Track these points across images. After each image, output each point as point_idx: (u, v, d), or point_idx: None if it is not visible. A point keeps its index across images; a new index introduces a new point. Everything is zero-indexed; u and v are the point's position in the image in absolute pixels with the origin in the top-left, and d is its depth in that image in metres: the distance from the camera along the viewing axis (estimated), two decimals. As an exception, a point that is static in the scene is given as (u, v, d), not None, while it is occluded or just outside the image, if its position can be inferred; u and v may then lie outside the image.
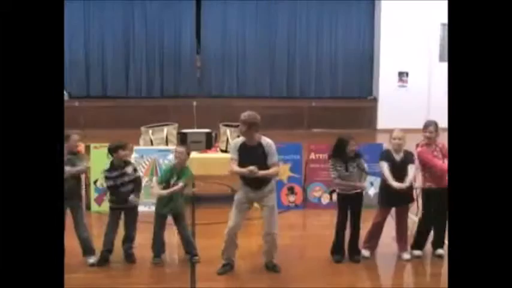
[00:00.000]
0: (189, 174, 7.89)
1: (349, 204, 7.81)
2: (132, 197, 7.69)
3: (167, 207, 7.77)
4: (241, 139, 7.39)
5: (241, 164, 7.21)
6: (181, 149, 7.96)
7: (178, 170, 7.79)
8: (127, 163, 7.90)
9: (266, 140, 7.32)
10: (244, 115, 7.22)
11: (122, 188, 7.74)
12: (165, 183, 7.78)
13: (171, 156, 9.40)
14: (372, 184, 10.03)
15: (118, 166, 7.77)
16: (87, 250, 7.87)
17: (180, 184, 7.67)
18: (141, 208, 9.81)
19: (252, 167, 7.06)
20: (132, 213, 7.91)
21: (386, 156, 7.87)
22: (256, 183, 7.28)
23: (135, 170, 7.93)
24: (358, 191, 7.86)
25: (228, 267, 7.49)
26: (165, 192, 7.68)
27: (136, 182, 7.86)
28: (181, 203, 7.86)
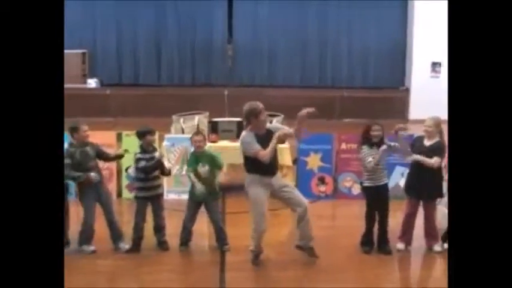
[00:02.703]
0: (214, 158, 7.95)
1: (377, 195, 7.78)
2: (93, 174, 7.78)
3: (200, 195, 7.80)
4: (249, 133, 7.31)
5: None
6: (197, 137, 8.04)
7: (200, 156, 7.86)
8: (155, 149, 8.07)
9: (272, 126, 7.44)
10: (248, 106, 7.26)
11: (150, 173, 7.86)
12: (194, 170, 7.83)
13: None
14: (402, 175, 9.95)
15: (147, 150, 7.92)
16: (117, 235, 8.00)
17: (206, 167, 7.76)
18: (171, 196, 9.95)
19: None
20: (158, 202, 8.00)
21: (416, 140, 7.96)
22: (272, 169, 7.29)
23: (162, 156, 8.13)
24: (385, 181, 7.84)
25: (258, 258, 7.50)
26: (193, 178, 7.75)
27: (162, 166, 8.01)
28: (214, 191, 7.89)
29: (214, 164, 7.87)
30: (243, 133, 7.41)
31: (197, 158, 7.86)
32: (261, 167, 7.20)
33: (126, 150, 8.34)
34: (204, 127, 11.09)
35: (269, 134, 7.20)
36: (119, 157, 8.50)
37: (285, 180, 7.45)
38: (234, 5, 21.20)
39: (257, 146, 7.14)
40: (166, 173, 8.17)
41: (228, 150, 9.82)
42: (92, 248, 7.90)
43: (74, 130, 7.83)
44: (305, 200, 7.44)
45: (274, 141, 7.11)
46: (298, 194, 7.45)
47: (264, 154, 7.11)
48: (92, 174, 7.71)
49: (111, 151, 8.75)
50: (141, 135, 7.99)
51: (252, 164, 7.24)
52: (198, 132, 8.73)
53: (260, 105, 7.22)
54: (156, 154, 7.95)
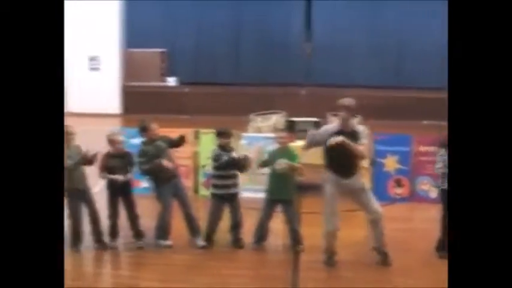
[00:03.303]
0: (295, 155, 7.94)
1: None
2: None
3: (279, 192, 7.84)
4: (334, 125, 7.31)
5: (335, 151, 7.10)
6: (283, 133, 8.08)
7: (283, 152, 7.86)
8: (232, 149, 8.17)
9: (361, 127, 7.30)
10: (346, 101, 7.17)
11: (223, 172, 7.97)
12: (271, 165, 7.87)
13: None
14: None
15: (224, 150, 8.01)
16: (194, 229, 8.14)
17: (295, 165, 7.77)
18: (246, 194, 10.02)
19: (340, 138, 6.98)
20: (234, 200, 8.09)
21: None
22: (349, 170, 7.21)
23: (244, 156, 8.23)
24: None
25: (331, 258, 7.48)
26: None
27: (241, 162, 8.08)
28: (292, 190, 7.91)
29: (293, 161, 7.87)
30: (328, 125, 7.59)
31: (279, 153, 7.89)
32: (338, 166, 7.17)
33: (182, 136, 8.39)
34: (281, 127, 11.12)
35: (354, 134, 7.14)
36: (181, 140, 8.50)
37: (361, 183, 7.34)
38: (313, 3, 21.09)
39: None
40: (246, 166, 8.23)
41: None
42: (168, 242, 8.07)
43: (144, 129, 8.04)
44: (379, 209, 7.36)
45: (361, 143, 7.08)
46: (373, 201, 7.36)
47: (336, 140, 6.96)
48: (164, 160, 7.86)
49: (188, 149, 8.86)
50: (218, 135, 8.13)
51: (330, 162, 7.21)
52: (283, 129, 8.80)
53: (350, 102, 7.17)
54: (234, 154, 8.04)
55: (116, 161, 7.96)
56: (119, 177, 7.91)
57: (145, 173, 8.04)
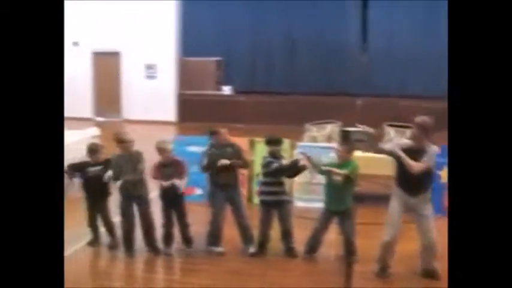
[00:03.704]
0: (353, 166, 7.84)
1: None
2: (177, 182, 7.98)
3: (336, 203, 7.77)
4: (407, 141, 7.23)
5: (403, 166, 7.05)
6: (342, 146, 7.95)
7: (342, 164, 7.79)
8: (282, 157, 8.16)
9: (432, 147, 7.13)
10: (420, 119, 7.06)
11: (271, 179, 7.96)
12: (328, 176, 7.81)
13: (332, 154, 9.40)
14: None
15: (275, 157, 8.01)
16: (247, 238, 8.16)
17: (343, 171, 7.67)
18: (299, 203, 9.98)
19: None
20: (284, 208, 8.04)
21: None
22: (414, 188, 7.09)
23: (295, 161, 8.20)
24: None
25: (384, 270, 7.37)
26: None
27: (291, 168, 8.05)
28: (349, 201, 7.82)
29: (352, 172, 7.78)
30: (402, 140, 7.55)
31: (337, 166, 7.82)
32: (406, 183, 7.08)
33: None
34: (336, 136, 11.05)
35: (420, 152, 7.03)
36: (246, 164, 8.60)
37: (428, 208, 7.20)
38: (369, 12, 20.94)
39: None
40: (296, 172, 8.20)
41: (359, 160, 9.69)
42: (219, 249, 8.08)
43: (214, 133, 8.13)
44: (433, 237, 7.20)
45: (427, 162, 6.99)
46: (430, 228, 7.18)
47: (415, 165, 6.94)
48: (223, 160, 7.90)
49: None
50: (269, 143, 8.14)
51: (400, 177, 7.13)
52: (343, 142, 8.75)
53: (424, 120, 7.06)
54: (283, 163, 8.01)
55: (167, 170, 8.00)
56: (171, 184, 7.94)
57: (205, 169, 8.08)
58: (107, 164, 8.25)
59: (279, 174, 7.94)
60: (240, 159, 8.16)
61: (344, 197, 7.75)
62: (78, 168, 8.53)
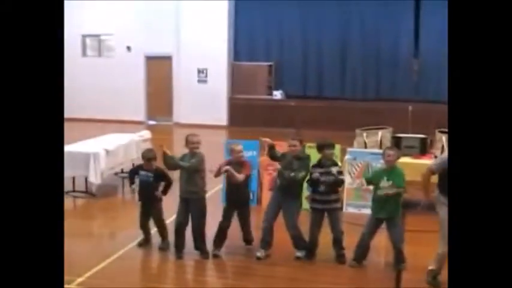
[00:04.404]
0: (401, 175, 7.79)
1: None
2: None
3: (383, 211, 7.73)
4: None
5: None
6: (392, 151, 7.90)
7: (389, 171, 7.73)
8: (334, 163, 8.13)
9: None
10: None
11: (321, 186, 7.94)
12: (375, 184, 7.76)
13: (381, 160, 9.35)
14: None
15: (324, 164, 8.00)
16: (297, 246, 8.16)
17: (399, 189, 7.63)
18: (350, 209, 9.96)
19: None
20: (335, 215, 8.03)
21: None
22: None
23: (340, 172, 8.13)
24: None
25: (436, 279, 7.27)
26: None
27: (337, 183, 8.06)
28: (397, 209, 7.75)
29: (399, 181, 7.74)
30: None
31: (385, 173, 7.78)
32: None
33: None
34: (388, 142, 10.96)
35: None
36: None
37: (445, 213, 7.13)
38: (421, 17, 20.70)
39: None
40: (336, 187, 8.19)
41: (410, 166, 9.61)
42: (260, 253, 8.15)
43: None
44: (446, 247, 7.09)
45: None
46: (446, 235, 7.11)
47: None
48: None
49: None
50: (320, 148, 8.14)
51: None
52: (391, 147, 8.70)
53: None
54: (334, 169, 7.99)
55: (235, 169, 8.11)
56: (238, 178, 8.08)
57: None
58: (157, 173, 8.45)
59: (316, 185, 7.95)
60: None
61: (391, 205, 7.68)
62: (135, 172, 8.70)
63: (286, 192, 8.04)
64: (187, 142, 8.14)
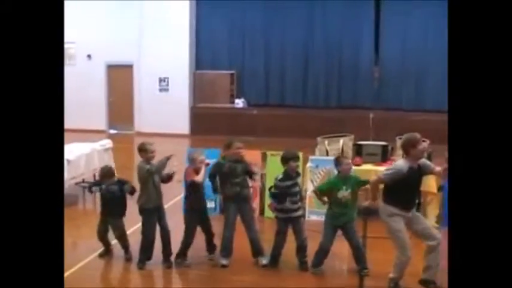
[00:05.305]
0: (357, 178, 7.92)
1: None
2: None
3: (344, 217, 7.79)
4: (406, 163, 7.11)
5: (409, 186, 7.11)
6: (347, 160, 8.10)
7: (345, 180, 7.82)
8: (298, 174, 8.22)
9: (421, 161, 7.20)
10: (407, 136, 7.16)
11: (289, 197, 7.94)
12: (329, 194, 7.84)
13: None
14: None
15: (291, 176, 8.02)
16: (257, 251, 8.16)
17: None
18: (313, 217, 10.00)
19: None
20: (298, 223, 8.06)
21: None
22: (412, 204, 7.27)
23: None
24: None
25: (397, 286, 7.35)
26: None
27: (301, 193, 8.18)
28: (355, 210, 7.85)
29: (357, 186, 7.84)
30: (399, 161, 7.38)
31: (340, 181, 7.84)
32: (402, 201, 7.10)
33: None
34: (349, 150, 11.05)
35: (419, 168, 7.11)
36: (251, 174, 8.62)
37: (430, 207, 7.28)
38: (382, 27, 20.95)
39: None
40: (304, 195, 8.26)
41: (372, 173, 9.71)
42: (224, 261, 8.13)
43: (228, 146, 8.22)
44: (438, 233, 7.23)
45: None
46: (430, 226, 7.26)
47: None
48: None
49: (256, 170, 8.93)
50: (285, 160, 8.11)
51: (393, 196, 7.11)
52: (344, 156, 8.79)
53: (418, 135, 7.09)
54: (299, 180, 8.01)
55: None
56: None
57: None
58: (120, 181, 8.40)
59: (281, 198, 7.99)
60: (250, 174, 8.33)
61: (351, 209, 7.78)
62: (96, 185, 8.65)
63: (238, 200, 8.10)
64: (144, 151, 8.03)
